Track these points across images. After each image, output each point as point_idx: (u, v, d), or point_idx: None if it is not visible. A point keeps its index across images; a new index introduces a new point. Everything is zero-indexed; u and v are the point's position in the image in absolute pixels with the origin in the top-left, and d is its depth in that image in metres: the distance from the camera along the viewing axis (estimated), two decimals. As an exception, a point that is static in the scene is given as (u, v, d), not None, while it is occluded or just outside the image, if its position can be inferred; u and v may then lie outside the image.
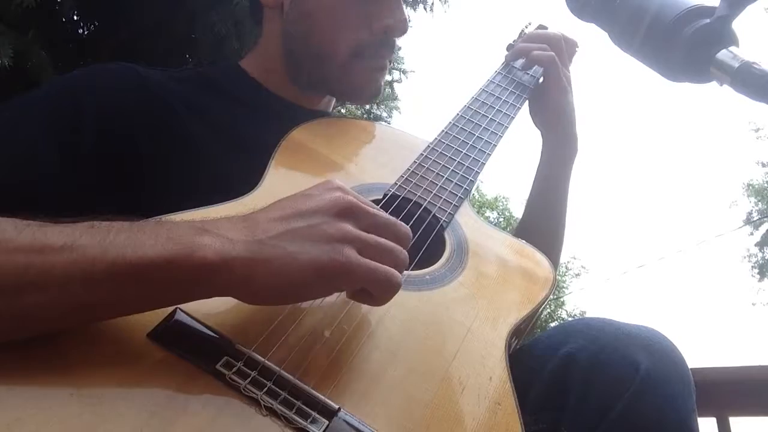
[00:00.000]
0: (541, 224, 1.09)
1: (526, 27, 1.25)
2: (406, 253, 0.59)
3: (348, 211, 0.56)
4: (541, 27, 1.24)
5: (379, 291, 0.56)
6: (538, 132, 1.14)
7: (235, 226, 0.54)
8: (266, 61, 0.97)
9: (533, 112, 1.13)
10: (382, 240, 0.57)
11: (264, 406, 0.50)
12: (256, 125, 0.88)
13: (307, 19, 0.93)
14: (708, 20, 0.56)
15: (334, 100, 1.07)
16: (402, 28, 0.96)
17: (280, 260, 0.51)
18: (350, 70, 0.94)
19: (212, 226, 0.53)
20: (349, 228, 0.55)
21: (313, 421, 0.50)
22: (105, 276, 0.48)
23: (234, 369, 0.51)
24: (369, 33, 0.93)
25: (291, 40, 0.95)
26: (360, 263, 0.54)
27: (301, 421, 0.50)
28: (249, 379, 0.51)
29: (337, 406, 0.52)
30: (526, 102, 1.09)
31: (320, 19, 0.93)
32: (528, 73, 1.11)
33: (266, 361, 0.53)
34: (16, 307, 0.47)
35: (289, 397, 0.51)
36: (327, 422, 0.51)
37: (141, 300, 0.51)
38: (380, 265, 0.55)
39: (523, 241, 0.86)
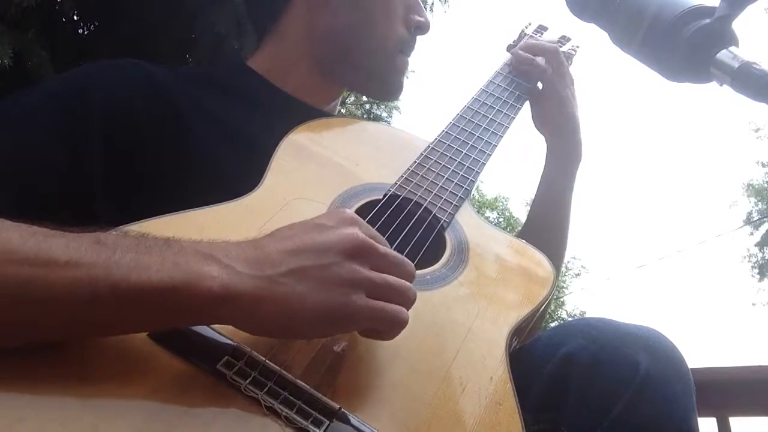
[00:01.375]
0: (546, 228, 1.10)
1: (526, 27, 1.25)
2: (415, 291, 0.58)
3: (360, 251, 0.55)
4: (541, 27, 1.24)
5: (386, 329, 0.56)
6: (538, 135, 1.15)
7: (243, 254, 0.52)
8: (283, 58, 0.97)
9: (536, 118, 1.13)
10: (392, 279, 0.56)
11: (265, 405, 0.50)
12: (263, 124, 0.88)
13: (360, 10, 0.96)
14: (708, 20, 0.56)
15: (339, 101, 1.07)
16: (428, 26, 1.02)
17: (287, 300, 0.51)
18: (394, 64, 0.99)
19: (221, 253, 0.52)
20: (359, 270, 0.54)
21: (314, 421, 0.50)
22: (107, 297, 0.47)
23: (235, 369, 0.51)
24: (405, 29, 0.99)
25: (336, 33, 0.96)
26: (369, 307, 0.53)
27: (301, 420, 0.50)
28: (250, 378, 0.51)
29: (337, 406, 0.52)
30: (527, 102, 1.10)
31: (374, 11, 0.97)
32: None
33: (267, 361, 0.53)
34: (14, 318, 0.47)
35: (290, 397, 0.51)
36: (328, 422, 0.51)
37: (143, 322, 0.50)
38: (387, 305, 0.55)
39: (524, 241, 0.86)
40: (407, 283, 0.58)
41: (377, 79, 1.01)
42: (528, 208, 1.17)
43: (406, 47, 1.00)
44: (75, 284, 0.47)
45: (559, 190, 1.10)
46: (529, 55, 1.10)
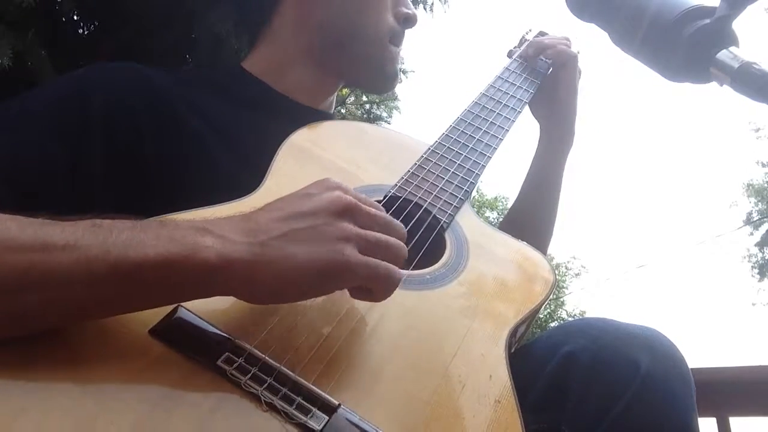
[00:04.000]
0: (535, 214, 1.14)
1: (527, 33, 1.26)
2: (405, 247, 0.59)
3: (347, 210, 0.57)
4: (541, 34, 1.25)
5: (378, 287, 0.56)
6: (534, 131, 1.17)
7: (236, 226, 0.54)
8: (276, 57, 0.98)
9: (539, 105, 1.16)
10: (381, 235, 0.57)
11: (264, 401, 0.50)
12: (258, 127, 0.88)
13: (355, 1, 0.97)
14: (708, 20, 0.56)
15: (334, 102, 1.07)
16: (415, 19, 1.02)
17: (281, 262, 0.52)
18: (388, 52, 1.00)
19: (214, 226, 0.53)
20: (348, 226, 0.55)
21: (314, 417, 0.50)
22: (107, 275, 0.48)
23: (235, 365, 0.52)
24: (394, 19, 1.00)
25: (330, 21, 0.96)
26: (360, 261, 0.54)
27: (301, 416, 0.50)
28: (249, 375, 0.51)
29: (337, 402, 0.52)
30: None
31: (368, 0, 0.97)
32: (529, 78, 1.12)
33: (267, 358, 0.53)
34: (17, 305, 0.47)
35: (290, 393, 0.51)
36: (327, 418, 0.51)
37: (142, 299, 0.51)
38: (380, 261, 0.55)
39: (524, 242, 0.86)
40: (397, 240, 0.58)
41: (373, 68, 1.00)
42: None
43: (395, 38, 1.00)
44: (74, 266, 0.47)
45: (552, 172, 1.14)
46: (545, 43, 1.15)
